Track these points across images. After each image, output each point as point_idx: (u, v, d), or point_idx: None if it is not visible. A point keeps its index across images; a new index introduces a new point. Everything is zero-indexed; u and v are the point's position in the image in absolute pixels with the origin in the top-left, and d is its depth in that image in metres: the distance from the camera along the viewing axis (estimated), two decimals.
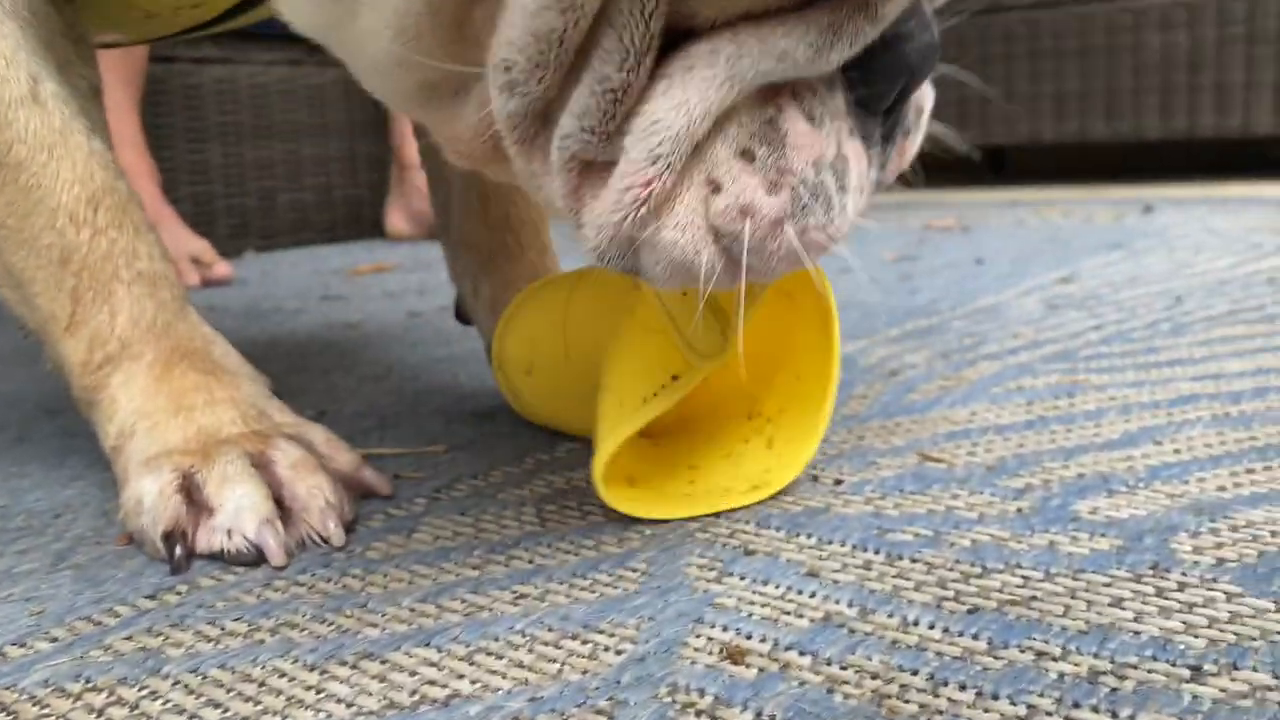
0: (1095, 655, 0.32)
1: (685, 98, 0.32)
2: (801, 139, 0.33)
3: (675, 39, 0.32)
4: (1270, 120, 2.05)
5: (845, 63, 0.33)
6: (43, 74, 0.45)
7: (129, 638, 0.36)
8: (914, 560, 0.39)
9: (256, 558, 0.41)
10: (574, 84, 0.32)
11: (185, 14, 0.53)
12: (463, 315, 0.66)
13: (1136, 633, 0.33)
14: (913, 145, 0.39)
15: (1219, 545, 0.39)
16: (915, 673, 0.31)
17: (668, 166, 0.32)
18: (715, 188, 0.33)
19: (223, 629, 0.37)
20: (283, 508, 0.43)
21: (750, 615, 0.35)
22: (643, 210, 0.33)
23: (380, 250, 1.68)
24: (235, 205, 1.72)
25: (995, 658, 0.32)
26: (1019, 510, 0.43)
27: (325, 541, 0.43)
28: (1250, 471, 0.46)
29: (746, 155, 0.33)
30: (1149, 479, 0.46)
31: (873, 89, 0.35)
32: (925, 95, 0.39)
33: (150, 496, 0.43)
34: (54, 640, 0.36)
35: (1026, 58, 2.29)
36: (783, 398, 0.49)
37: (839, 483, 0.47)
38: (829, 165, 0.33)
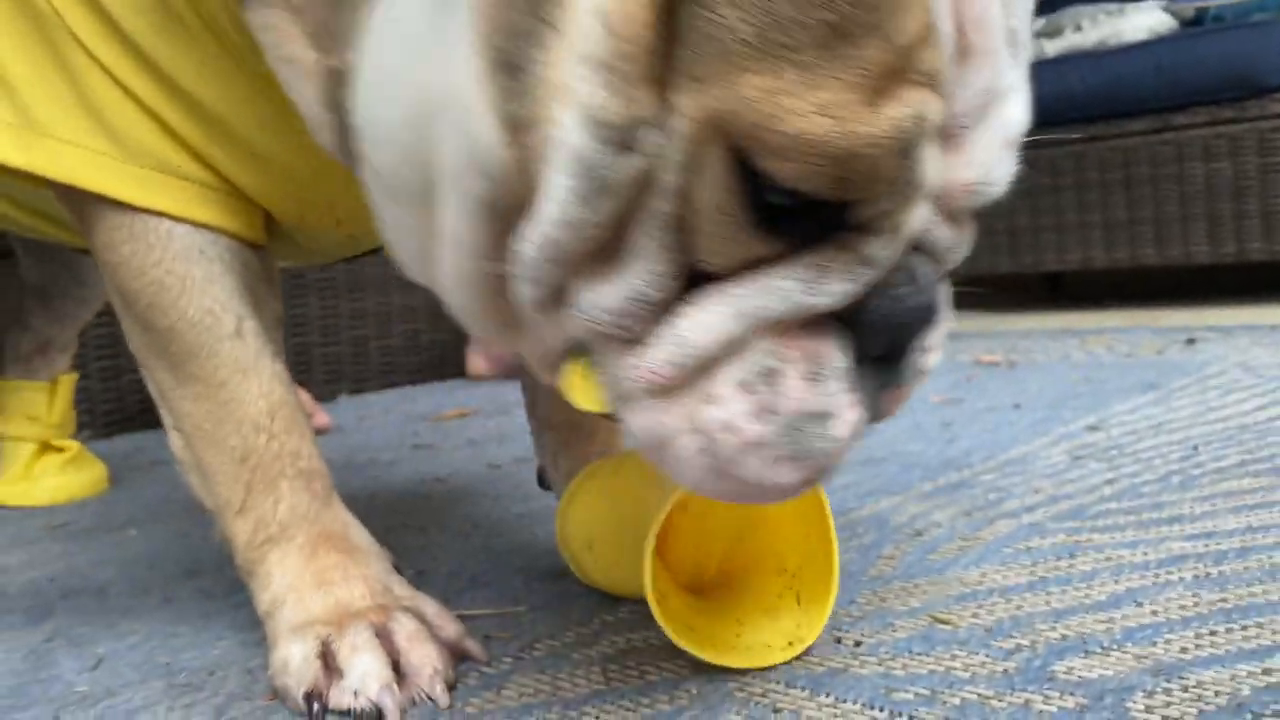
0: None
1: (707, 323, 0.39)
2: (794, 392, 0.40)
3: (695, 278, 0.40)
4: None
5: (844, 314, 0.40)
6: (245, 313, 0.58)
7: None
8: (911, 718, 0.47)
9: (377, 715, 0.51)
10: (604, 284, 0.39)
11: (347, 247, 0.66)
12: (544, 482, 0.77)
13: None
14: (908, 393, 0.45)
15: (1167, 705, 0.47)
16: None
17: (679, 372, 0.40)
18: (710, 400, 0.40)
19: None
20: (399, 671, 0.53)
21: None
22: (642, 388, 0.40)
23: (461, 392, 1.81)
24: (331, 353, 1.87)
25: None
26: (1005, 671, 0.51)
27: (432, 700, 0.53)
28: (1213, 633, 0.54)
29: (745, 386, 0.40)
30: (1123, 640, 0.54)
31: (862, 340, 0.41)
32: (930, 346, 0.44)
33: (296, 660, 0.53)
34: None
35: (1074, 189, 2.38)
36: (801, 554, 0.58)
37: (858, 644, 0.56)
38: (815, 417, 0.41)
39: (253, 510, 0.58)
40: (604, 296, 0.39)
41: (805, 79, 0.34)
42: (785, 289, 0.39)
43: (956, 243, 0.41)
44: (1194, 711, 0.46)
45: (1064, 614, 0.58)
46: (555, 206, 0.37)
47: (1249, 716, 0.45)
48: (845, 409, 0.41)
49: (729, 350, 0.40)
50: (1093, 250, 2.37)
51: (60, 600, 0.76)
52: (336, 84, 0.45)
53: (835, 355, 0.41)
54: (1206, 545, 0.67)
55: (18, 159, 0.54)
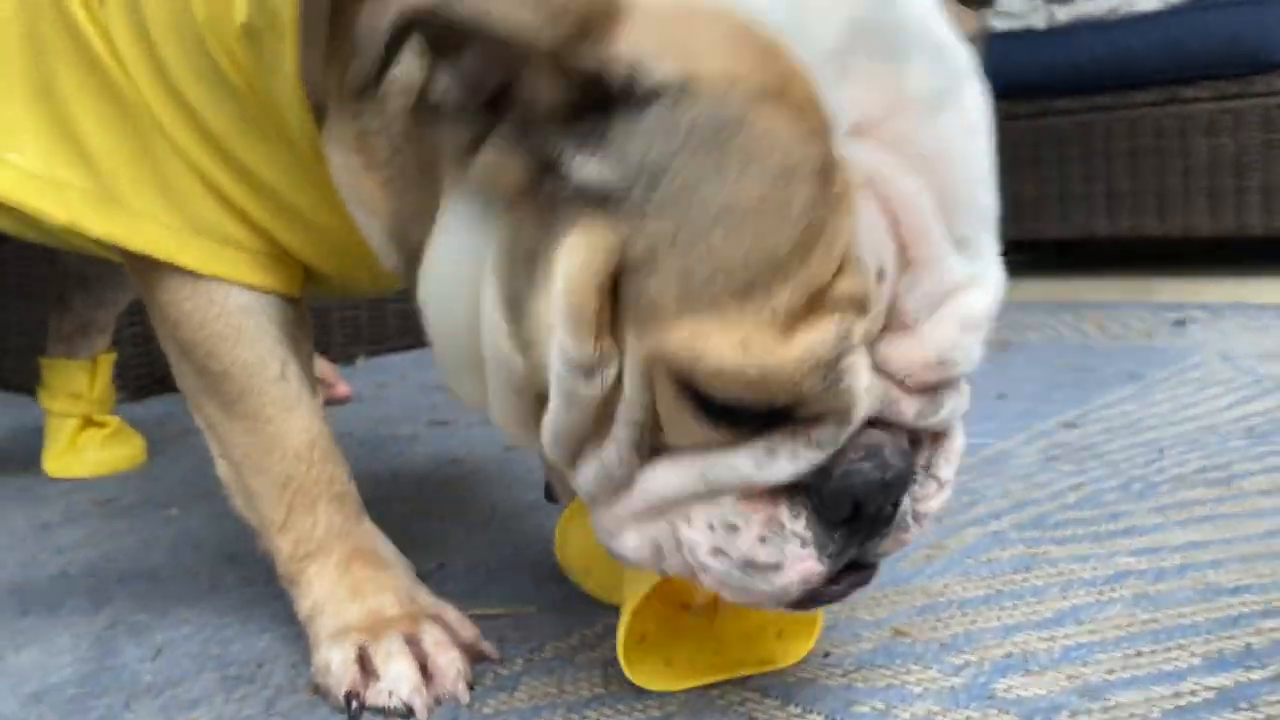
0: None
1: (672, 480, 0.48)
2: (745, 546, 0.48)
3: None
4: None
5: (812, 483, 0.46)
6: (288, 358, 0.66)
7: None
8: None
9: (408, 712, 0.59)
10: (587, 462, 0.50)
11: (377, 289, 0.74)
12: (551, 497, 0.84)
13: None
14: (903, 540, 0.50)
15: None
16: None
17: (653, 510, 0.49)
18: (687, 522, 0.49)
19: None
20: (426, 674, 0.61)
21: None
22: (627, 517, 0.51)
23: None
24: (349, 316, 1.94)
25: None
26: (953, 687, 0.59)
27: (455, 698, 0.61)
28: (1139, 654, 0.61)
29: (710, 527, 0.48)
30: (1060, 659, 0.61)
31: (822, 510, 0.47)
32: (921, 498, 0.50)
33: (336, 664, 0.61)
34: None
35: (1079, 159, 2.42)
36: None
37: (827, 655, 0.64)
38: (761, 568, 0.48)
39: (293, 529, 0.66)
40: (587, 470, 0.50)
41: (724, 323, 0.43)
42: (737, 465, 0.47)
43: (932, 410, 0.47)
44: None
45: (1012, 630, 0.65)
46: (550, 409, 0.49)
47: None
48: (795, 564, 0.48)
49: (697, 498, 0.48)
50: (1096, 219, 2.42)
51: (117, 584, 0.84)
52: (405, 234, 0.55)
53: (790, 520, 0.48)
54: (1150, 561, 0.75)
55: (99, 229, 0.62)
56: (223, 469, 0.68)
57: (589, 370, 0.46)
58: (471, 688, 0.62)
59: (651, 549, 0.51)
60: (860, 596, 0.55)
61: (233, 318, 0.63)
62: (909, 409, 0.47)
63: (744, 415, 0.45)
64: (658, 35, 0.43)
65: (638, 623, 0.60)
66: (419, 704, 0.59)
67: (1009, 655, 0.62)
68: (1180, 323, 1.72)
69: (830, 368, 0.43)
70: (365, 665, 0.61)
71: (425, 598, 0.67)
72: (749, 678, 0.61)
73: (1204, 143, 2.26)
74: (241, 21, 0.55)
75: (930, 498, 0.50)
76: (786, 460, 0.46)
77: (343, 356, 1.88)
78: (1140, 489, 0.91)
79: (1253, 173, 2.21)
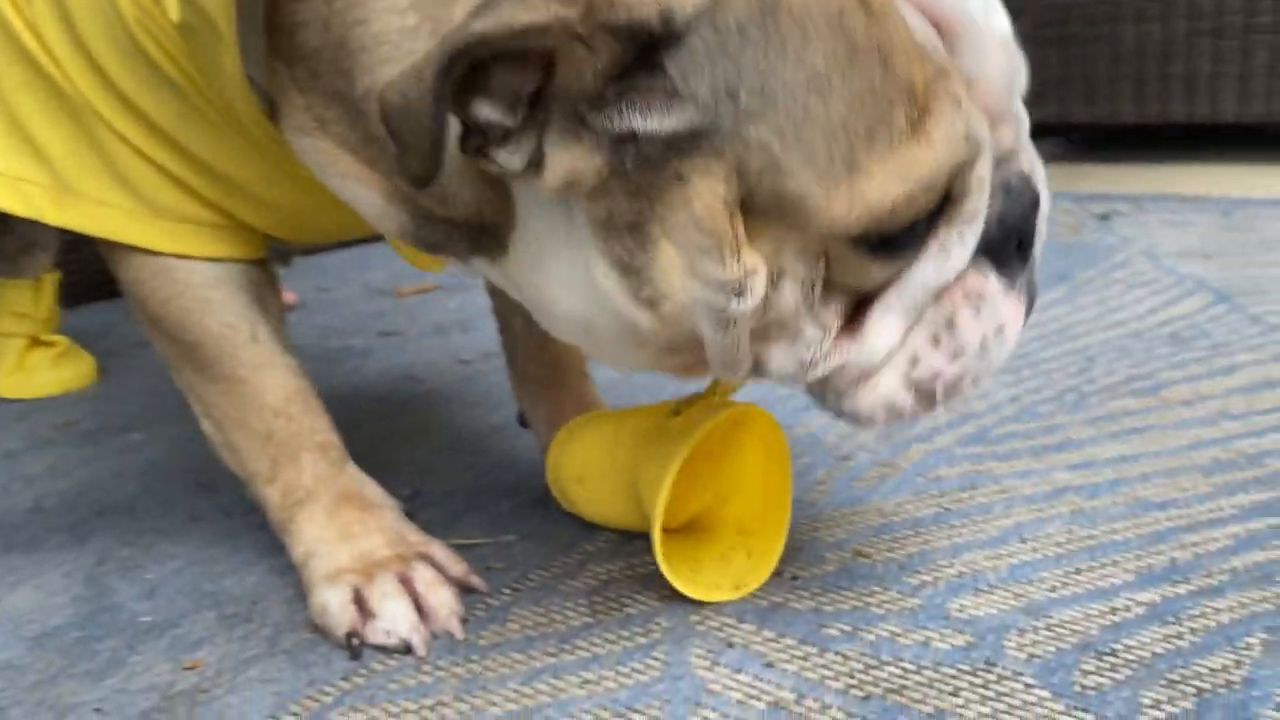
0: None
1: (879, 341, 0.52)
2: (968, 327, 0.52)
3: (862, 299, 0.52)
4: (1234, 109, 2.21)
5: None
6: (258, 319, 0.67)
7: (343, 713, 0.58)
8: (836, 653, 0.60)
9: (407, 648, 0.63)
10: (775, 360, 0.53)
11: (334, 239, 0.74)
12: (524, 422, 0.87)
13: (961, 716, 0.54)
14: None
15: (1034, 644, 0.60)
16: None
17: (879, 363, 0.53)
18: (914, 362, 0.53)
19: (400, 707, 0.58)
20: (420, 611, 0.65)
21: (729, 699, 0.57)
22: (854, 390, 0.54)
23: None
24: None
25: None
26: (911, 608, 0.64)
27: (450, 633, 0.64)
28: (1078, 572, 0.67)
29: (934, 341, 0.53)
30: (1006, 579, 0.67)
31: (999, 258, 0.52)
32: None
33: (334, 606, 0.64)
34: (295, 715, 0.58)
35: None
36: (759, 520, 0.70)
37: (795, 579, 0.69)
38: (992, 337, 0.53)
39: (279, 479, 0.68)
40: (781, 364, 0.53)
41: (869, 169, 0.46)
42: (926, 279, 0.51)
43: (1019, 129, 0.52)
44: (1053, 649, 0.59)
45: (962, 549, 0.71)
46: (708, 342, 0.51)
47: (1093, 654, 0.59)
48: (1010, 314, 0.54)
49: (908, 330, 0.52)
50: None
51: (96, 518, 0.86)
52: (418, 201, 0.54)
53: (983, 283, 0.52)
54: (1085, 476, 0.81)
55: (57, 218, 0.63)
56: (207, 427, 0.70)
57: (739, 288, 0.47)
58: (464, 622, 0.66)
59: (885, 405, 0.54)
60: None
61: (198, 291, 0.65)
62: (1008, 137, 0.51)
63: (910, 236, 0.49)
64: None
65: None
66: (417, 640, 0.63)
67: (960, 575, 0.68)
68: (1105, 216, 1.78)
69: (967, 137, 0.47)
70: (362, 605, 0.64)
71: (414, 535, 0.70)
72: (725, 605, 0.66)
73: (1132, 30, 2.29)
74: (175, 20, 0.55)
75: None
76: (958, 247, 0.50)
77: (276, 257, 1.86)
78: (1073, 400, 0.97)
79: (1177, 60, 2.26)
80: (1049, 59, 2.40)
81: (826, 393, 0.55)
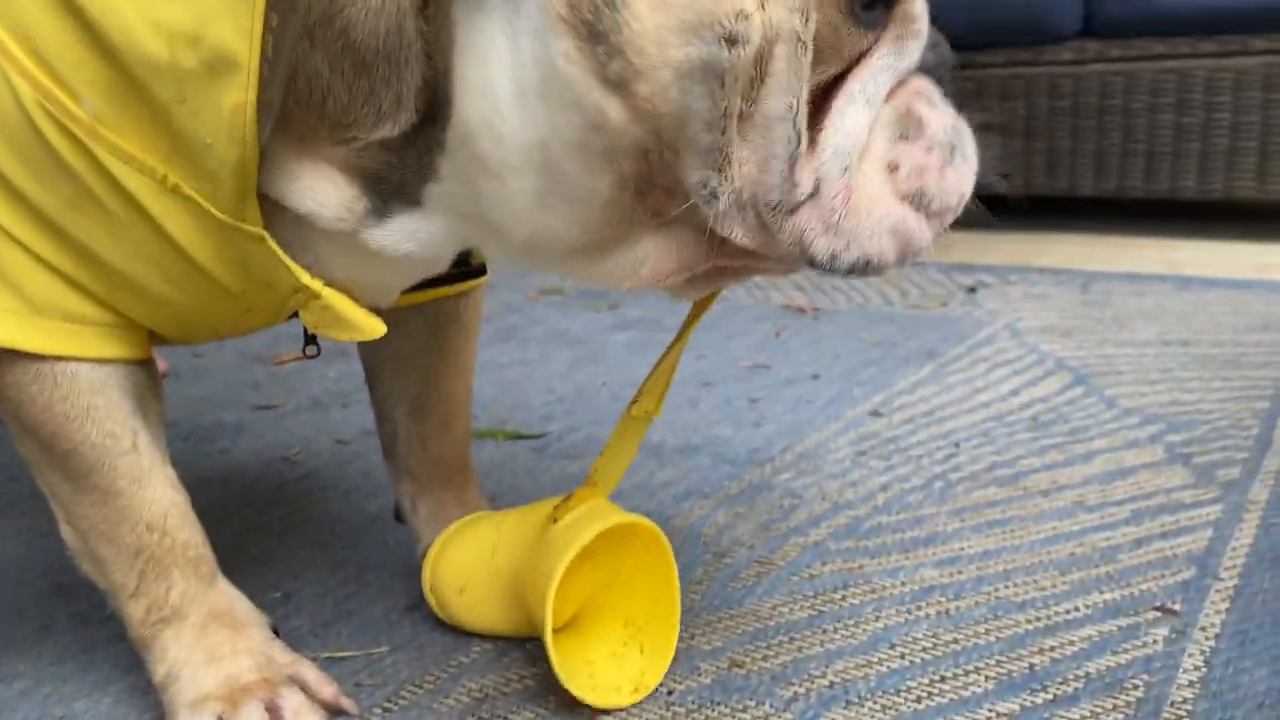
0: None
1: (850, 124, 0.50)
2: (931, 118, 0.52)
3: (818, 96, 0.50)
4: (1092, 184, 2.34)
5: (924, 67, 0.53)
6: (139, 427, 0.64)
7: None
8: None
9: None
10: (757, 165, 0.49)
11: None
12: (400, 517, 0.86)
13: None
14: None
15: None
16: None
17: (846, 170, 0.50)
18: (894, 168, 0.51)
19: None
20: None
21: None
22: (846, 211, 0.50)
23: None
24: None
25: None
26: None
27: None
28: (943, 680, 0.69)
29: (904, 138, 0.52)
30: (875, 689, 0.69)
31: (940, 80, 0.54)
32: None
33: None
34: None
35: None
36: (647, 612, 0.70)
37: (671, 693, 0.69)
38: (953, 129, 0.53)
39: (146, 595, 0.65)
40: (761, 171, 0.49)
41: None
42: (885, 64, 0.51)
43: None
44: None
45: (834, 656, 0.72)
46: (691, 136, 0.48)
47: None
48: (964, 127, 0.55)
49: (873, 127, 0.51)
50: None
51: None
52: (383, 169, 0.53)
53: (928, 84, 0.54)
54: (951, 574, 0.83)
55: None
56: (68, 534, 0.67)
57: (731, 34, 0.45)
58: None
59: (890, 230, 0.52)
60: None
61: (80, 398, 0.61)
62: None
63: (872, 11, 0.50)
64: None
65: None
66: None
67: (832, 686, 0.69)
68: (972, 289, 1.86)
69: None
70: None
71: (283, 656, 0.68)
72: (611, 713, 0.66)
73: (997, 106, 2.41)
74: (173, 76, 0.51)
75: None
76: (912, 44, 0.52)
77: None
78: (940, 489, 1.00)
79: (1039, 136, 2.38)
80: None
81: (823, 236, 0.51)
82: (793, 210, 0.50)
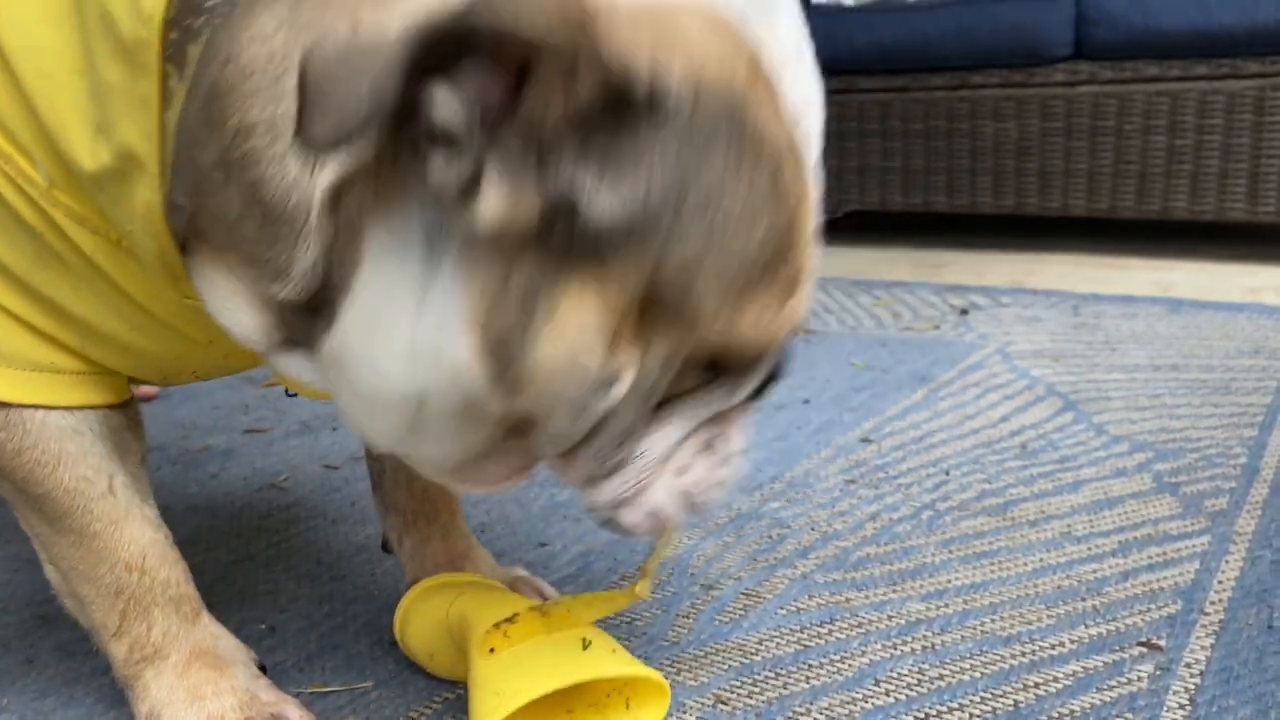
0: None
1: (664, 439, 0.54)
2: (732, 439, 0.58)
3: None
4: (1085, 204, 2.34)
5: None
6: (116, 470, 0.63)
7: None
8: None
9: None
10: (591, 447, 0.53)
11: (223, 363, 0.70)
12: (388, 548, 0.86)
13: None
14: None
15: None
16: None
17: (648, 470, 0.55)
18: (683, 471, 0.56)
19: None
20: None
21: None
22: (631, 494, 0.55)
23: None
24: None
25: None
26: None
27: None
28: (926, 717, 0.69)
29: (707, 446, 0.57)
30: None
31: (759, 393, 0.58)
32: None
33: None
34: None
35: (878, 135, 2.54)
36: (629, 681, 0.70)
37: None
38: (740, 452, 0.58)
39: (127, 634, 0.65)
40: (585, 464, 0.54)
41: (746, 305, 0.48)
42: (716, 398, 0.55)
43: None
44: None
45: (819, 693, 0.72)
46: (549, 430, 0.51)
47: None
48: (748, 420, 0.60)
49: (681, 442, 0.56)
50: (890, 194, 2.56)
51: None
52: (287, 313, 0.52)
53: (747, 408, 0.58)
54: (937, 607, 0.83)
55: None
56: (50, 573, 0.67)
57: (609, 383, 0.48)
58: None
59: (649, 513, 0.57)
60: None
61: (51, 444, 0.61)
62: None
63: (743, 366, 0.53)
64: (653, 36, 0.42)
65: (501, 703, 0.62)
66: None
67: None
68: (964, 311, 1.86)
69: (798, 327, 0.52)
70: None
71: (267, 694, 0.67)
72: None
73: (990, 126, 2.42)
74: (90, 170, 0.52)
75: None
76: (750, 384, 0.55)
77: None
78: (929, 519, 1.00)
79: (1032, 157, 2.39)
80: (914, 150, 2.51)
81: (600, 505, 0.56)
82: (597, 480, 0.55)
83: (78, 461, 0.62)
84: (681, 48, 0.42)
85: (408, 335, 0.47)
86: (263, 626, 0.84)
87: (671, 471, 0.55)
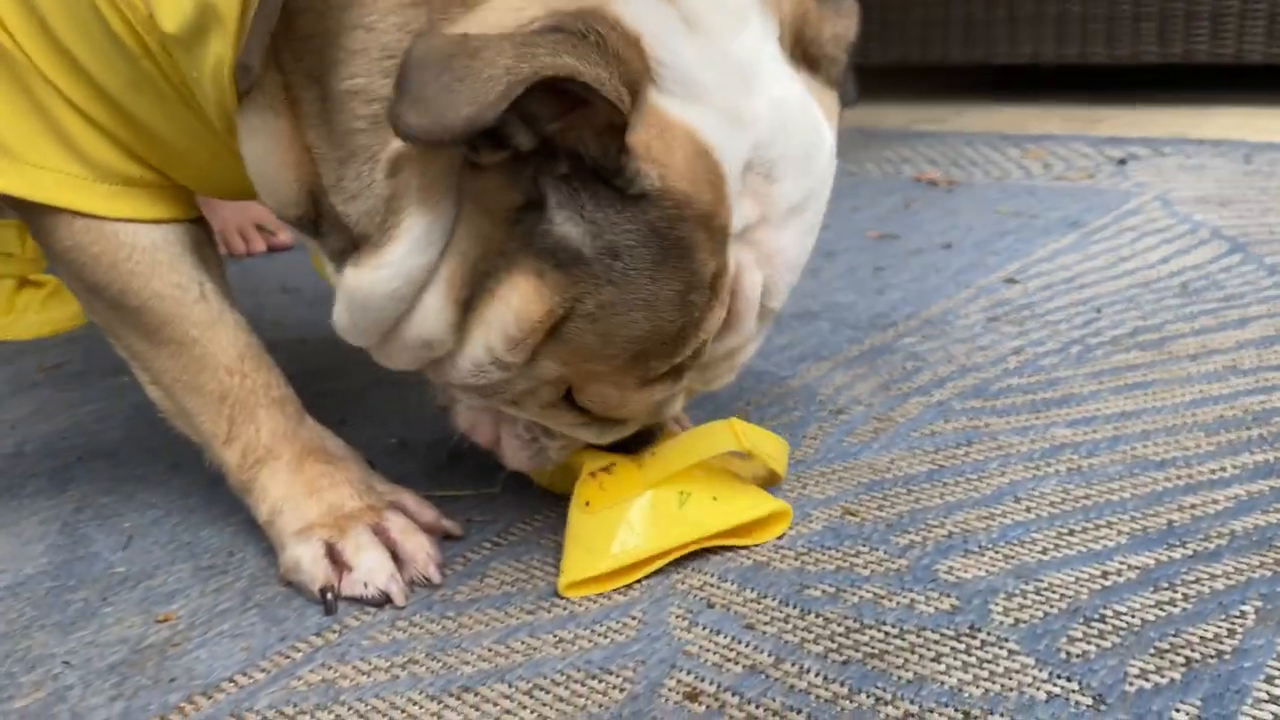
0: (910, 701, 0.52)
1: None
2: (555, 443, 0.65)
3: None
4: (1262, 49, 2.14)
5: None
6: (204, 278, 0.66)
7: (313, 670, 0.57)
8: (817, 615, 0.59)
9: (385, 600, 0.62)
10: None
11: None
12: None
13: (942, 683, 0.53)
14: None
15: (1021, 608, 0.58)
16: (799, 711, 0.52)
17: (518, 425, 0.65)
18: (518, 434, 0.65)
19: (371, 664, 0.57)
20: (396, 559, 0.63)
21: (706, 662, 0.56)
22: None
23: None
24: None
25: (850, 700, 0.52)
26: (898, 569, 0.63)
27: (428, 581, 0.63)
28: (1071, 533, 0.65)
29: (529, 430, 0.65)
30: (998, 539, 0.65)
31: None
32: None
33: (306, 560, 0.63)
34: (265, 671, 0.57)
35: None
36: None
37: (780, 537, 0.67)
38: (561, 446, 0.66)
39: (238, 439, 0.67)
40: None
41: (610, 374, 0.56)
42: (585, 433, 0.63)
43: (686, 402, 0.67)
44: (1040, 615, 0.58)
45: (954, 508, 0.69)
46: (457, 376, 0.58)
47: (1081, 620, 0.57)
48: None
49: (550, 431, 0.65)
50: (1044, 45, 2.39)
51: (77, 464, 0.85)
52: (325, 200, 0.56)
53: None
54: (1085, 433, 0.78)
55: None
56: (154, 393, 0.69)
57: (507, 369, 0.56)
58: (442, 568, 0.65)
59: (470, 426, 0.66)
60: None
61: (144, 254, 0.63)
62: (679, 406, 0.64)
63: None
64: (657, 142, 0.50)
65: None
66: (395, 590, 0.62)
67: (950, 535, 0.66)
68: (1122, 161, 1.74)
69: (661, 406, 0.61)
70: (336, 559, 0.63)
71: (382, 485, 0.69)
72: (706, 564, 0.65)
73: None
74: (171, 31, 0.54)
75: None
76: (615, 435, 0.63)
77: None
78: (1078, 353, 0.94)
79: None
80: None
81: (454, 412, 0.66)
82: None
83: (170, 269, 0.64)
84: (666, 161, 0.50)
85: (411, 291, 0.54)
86: (394, 441, 0.85)
87: (517, 430, 0.64)
